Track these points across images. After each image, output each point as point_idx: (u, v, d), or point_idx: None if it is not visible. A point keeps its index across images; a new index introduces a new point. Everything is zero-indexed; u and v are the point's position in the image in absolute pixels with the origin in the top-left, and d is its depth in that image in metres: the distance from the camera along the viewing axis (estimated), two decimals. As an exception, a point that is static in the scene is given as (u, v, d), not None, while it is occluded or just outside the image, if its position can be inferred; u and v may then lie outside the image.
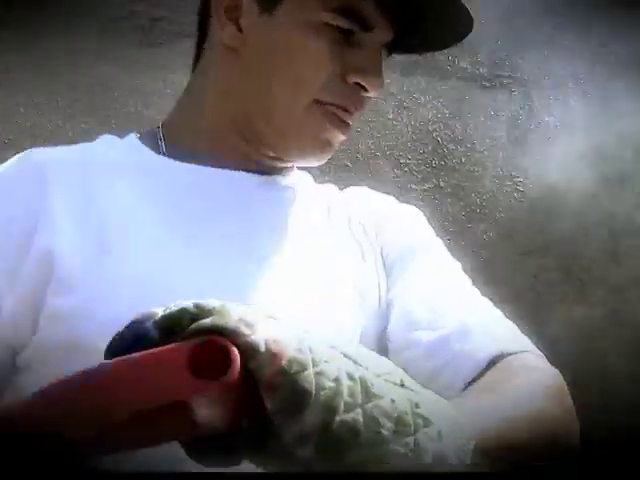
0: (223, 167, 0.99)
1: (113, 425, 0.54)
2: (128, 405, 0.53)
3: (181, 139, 1.02)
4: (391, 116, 2.12)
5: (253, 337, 0.55)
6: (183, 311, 0.56)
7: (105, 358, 0.58)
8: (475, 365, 0.88)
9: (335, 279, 0.96)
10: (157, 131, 1.04)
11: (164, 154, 1.01)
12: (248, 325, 0.55)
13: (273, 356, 0.55)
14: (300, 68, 0.94)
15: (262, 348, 0.54)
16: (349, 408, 0.56)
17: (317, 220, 1.04)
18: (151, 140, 1.03)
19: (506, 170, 2.17)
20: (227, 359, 0.53)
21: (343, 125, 0.97)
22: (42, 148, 0.99)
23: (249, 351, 0.54)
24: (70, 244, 0.88)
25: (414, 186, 2.12)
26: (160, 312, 0.58)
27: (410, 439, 0.58)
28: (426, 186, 2.13)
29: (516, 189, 2.15)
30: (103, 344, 0.59)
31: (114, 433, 0.54)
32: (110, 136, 1.05)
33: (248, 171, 1.01)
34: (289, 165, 1.05)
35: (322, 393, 0.55)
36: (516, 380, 0.84)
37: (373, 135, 2.11)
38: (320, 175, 1.16)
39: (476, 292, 1.01)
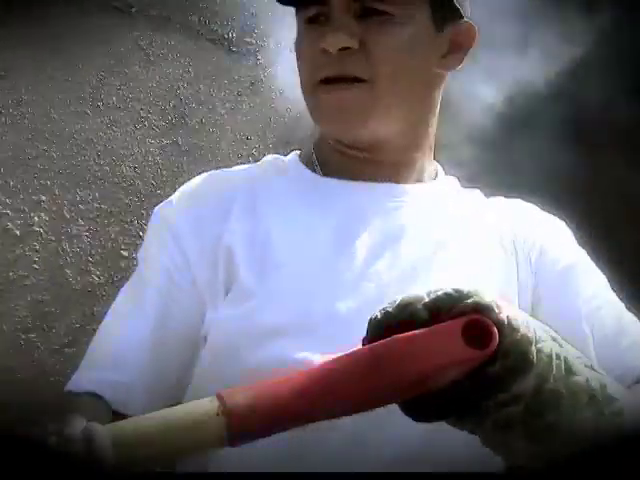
0: (371, 181, 1.08)
1: (400, 389, 0.70)
2: (415, 370, 0.68)
3: (328, 158, 1.11)
4: (137, 69, 2.11)
5: (501, 315, 0.70)
6: (447, 295, 0.71)
7: (370, 329, 0.73)
8: None
9: (481, 282, 0.96)
10: (312, 151, 1.13)
11: (320, 173, 1.10)
12: (498, 306, 0.70)
13: (513, 330, 0.70)
14: (300, 66, 1.08)
15: (506, 323, 0.70)
16: (556, 380, 0.72)
17: (461, 224, 1.09)
18: (307, 158, 1.13)
19: (244, 134, 2.25)
20: (489, 333, 0.69)
21: (332, 87, 1.03)
22: (224, 170, 1.14)
23: (500, 325, 0.69)
24: (243, 254, 1.01)
25: (151, 140, 2.13)
26: (426, 296, 0.72)
27: (599, 408, 0.74)
28: (164, 142, 2.15)
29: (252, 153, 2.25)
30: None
31: (397, 396, 0.71)
32: (275, 157, 1.15)
33: (392, 182, 1.09)
34: (380, 158, 1.09)
35: (539, 365, 0.71)
36: None
37: (116, 85, 2.09)
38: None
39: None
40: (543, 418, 0.72)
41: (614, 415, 0.75)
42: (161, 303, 1.02)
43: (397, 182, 1.09)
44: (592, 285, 1.10)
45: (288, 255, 1.00)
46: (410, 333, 0.69)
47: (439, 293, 0.72)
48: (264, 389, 0.68)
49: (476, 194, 1.18)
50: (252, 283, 0.99)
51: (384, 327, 0.72)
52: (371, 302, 0.80)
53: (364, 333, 0.74)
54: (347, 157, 1.09)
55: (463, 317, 0.70)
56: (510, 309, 0.72)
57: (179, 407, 0.69)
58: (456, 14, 1.06)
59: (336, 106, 1.03)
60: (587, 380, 0.74)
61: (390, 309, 0.73)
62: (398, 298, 0.73)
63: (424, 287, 0.74)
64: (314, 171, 1.11)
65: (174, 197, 1.08)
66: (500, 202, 1.18)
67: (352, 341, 0.80)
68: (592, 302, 1.08)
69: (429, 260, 1.04)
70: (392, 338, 0.70)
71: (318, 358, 0.71)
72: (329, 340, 0.82)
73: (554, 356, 0.73)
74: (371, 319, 0.74)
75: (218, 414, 0.66)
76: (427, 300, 0.72)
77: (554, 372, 0.72)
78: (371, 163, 1.08)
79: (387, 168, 1.08)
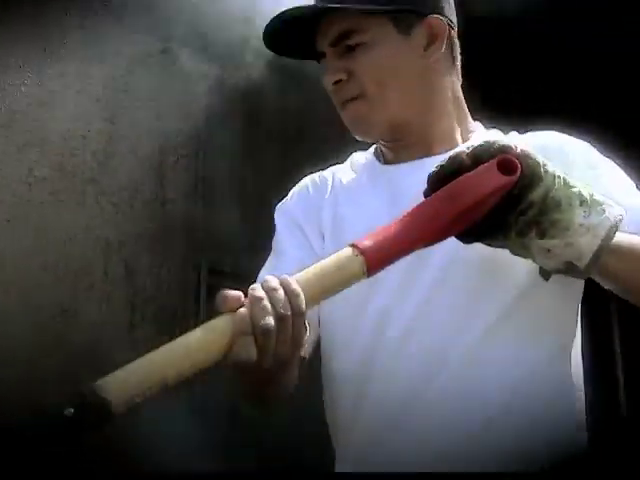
0: (412, 159, 1.37)
1: (460, 220, 1.01)
2: (470, 201, 1.00)
3: (382, 150, 1.44)
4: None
5: (519, 150, 1.04)
6: (481, 145, 1.05)
7: (430, 184, 1.06)
8: None
9: None
10: (378, 146, 1.44)
11: (381, 162, 1.42)
12: (515, 145, 1.05)
13: (527, 158, 1.04)
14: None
15: (523, 154, 1.04)
16: (557, 190, 1.04)
17: None
18: (376, 152, 1.45)
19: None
20: (513, 163, 1.02)
21: (343, 107, 1.36)
22: (323, 171, 1.48)
23: (519, 157, 1.03)
24: (328, 236, 1.36)
25: None
26: (466, 150, 1.05)
27: (587, 209, 1.04)
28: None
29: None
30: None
31: (461, 225, 1.03)
32: (360, 153, 1.48)
33: (430, 155, 1.35)
34: (405, 142, 1.39)
35: (546, 180, 1.04)
36: None
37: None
38: None
39: None
40: (549, 216, 1.04)
41: (598, 213, 1.04)
42: (295, 264, 1.20)
43: (433, 154, 1.33)
44: (617, 190, 1.23)
45: (354, 231, 1.19)
46: (461, 177, 1.02)
47: (475, 145, 1.05)
48: (379, 234, 1.01)
49: (512, 135, 1.39)
50: None
51: (441, 179, 1.05)
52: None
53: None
54: (388, 147, 1.40)
55: (495, 158, 1.02)
56: (524, 146, 1.05)
57: (323, 261, 1.00)
58: (417, 16, 1.32)
59: (349, 119, 1.37)
60: (579, 190, 1.06)
61: (442, 164, 1.06)
62: (446, 156, 1.06)
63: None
64: (379, 161, 1.42)
65: (289, 195, 1.47)
66: (533, 137, 1.35)
67: (415, 291, 1.24)
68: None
69: None
70: (453, 181, 1.02)
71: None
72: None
73: (556, 175, 1.06)
74: (430, 175, 1.07)
75: (357, 255, 0.99)
76: (468, 152, 1.05)
77: (556, 185, 1.05)
78: (405, 147, 1.37)
79: (420, 146, 1.35)
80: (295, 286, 0.95)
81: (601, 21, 3.38)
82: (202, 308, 3.26)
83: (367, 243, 0.99)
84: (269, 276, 0.97)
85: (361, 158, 1.45)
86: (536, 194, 1.03)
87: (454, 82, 1.39)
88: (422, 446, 1.18)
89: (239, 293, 0.95)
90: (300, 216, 1.41)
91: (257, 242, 3.44)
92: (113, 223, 3.01)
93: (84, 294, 2.88)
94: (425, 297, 1.23)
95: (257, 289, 0.95)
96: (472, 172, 1.02)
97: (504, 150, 1.03)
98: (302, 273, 0.98)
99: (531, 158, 1.04)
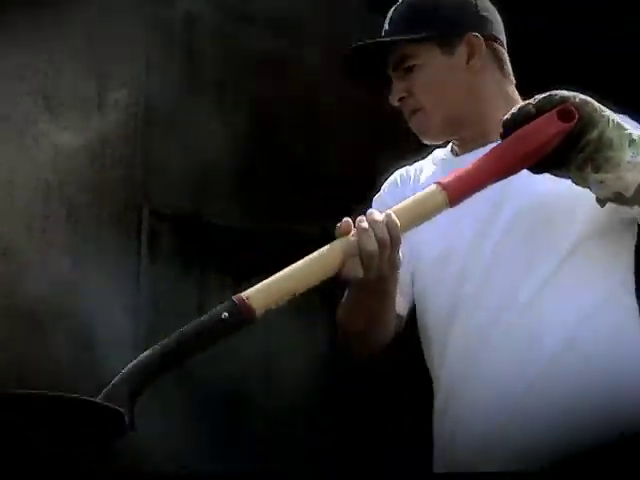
0: (474, 150, 1.55)
1: (529, 157, 1.24)
2: (538, 142, 1.21)
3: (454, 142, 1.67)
4: None
5: (577, 99, 1.24)
6: (544, 97, 1.26)
7: (503, 127, 1.30)
8: None
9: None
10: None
11: (455, 154, 1.65)
12: (574, 95, 1.25)
13: (585, 104, 1.24)
14: None
15: (580, 102, 1.24)
16: (610, 131, 1.23)
17: None
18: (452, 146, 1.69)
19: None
20: (571, 111, 1.21)
21: (409, 118, 1.65)
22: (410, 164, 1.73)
23: (577, 105, 1.23)
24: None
25: None
26: (532, 101, 1.28)
27: (635, 149, 1.23)
28: None
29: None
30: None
31: (529, 162, 1.25)
32: (440, 149, 1.70)
33: (487, 143, 1.50)
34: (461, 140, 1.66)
35: (601, 122, 1.23)
36: None
37: None
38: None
39: None
40: (603, 153, 1.23)
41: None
42: None
43: (489, 142, 1.45)
44: None
45: None
46: (528, 124, 1.24)
47: (540, 97, 1.27)
48: (459, 171, 1.25)
49: None
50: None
51: (511, 126, 1.27)
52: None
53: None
54: (454, 143, 1.67)
55: (556, 108, 1.22)
56: (582, 96, 1.25)
57: (413, 197, 1.26)
58: (457, 37, 1.58)
59: (414, 128, 1.65)
60: (630, 132, 1.25)
61: (513, 112, 1.28)
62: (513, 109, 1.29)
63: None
64: (452, 154, 1.66)
65: (382, 187, 1.70)
66: None
67: (488, 240, 1.49)
68: None
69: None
70: (521, 129, 1.24)
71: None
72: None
73: (610, 118, 1.25)
74: (503, 122, 1.30)
75: (440, 190, 1.23)
76: (534, 103, 1.26)
77: (609, 126, 1.24)
78: (465, 140, 1.62)
79: (478, 138, 1.57)
80: (394, 218, 1.23)
81: (601, 21, 3.43)
82: (143, 250, 3.28)
83: (448, 179, 1.24)
84: (374, 210, 1.27)
85: (440, 153, 1.70)
86: (592, 135, 1.23)
87: (501, 82, 1.63)
88: (497, 380, 1.41)
89: (350, 222, 1.23)
90: (391, 204, 1.48)
91: (198, 184, 3.48)
92: (53, 164, 2.99)
93: (24, 235, 2.87)
94: (497, 244, 1.47)
95: (364, 221, 1.23)
96: (535, 120, 1.24)
97: (564, 100, 1.24)
98: (397, 207, 1.26)
99: (588, 104, 1.24)
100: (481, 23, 1.60)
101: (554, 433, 1.34)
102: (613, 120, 1.25)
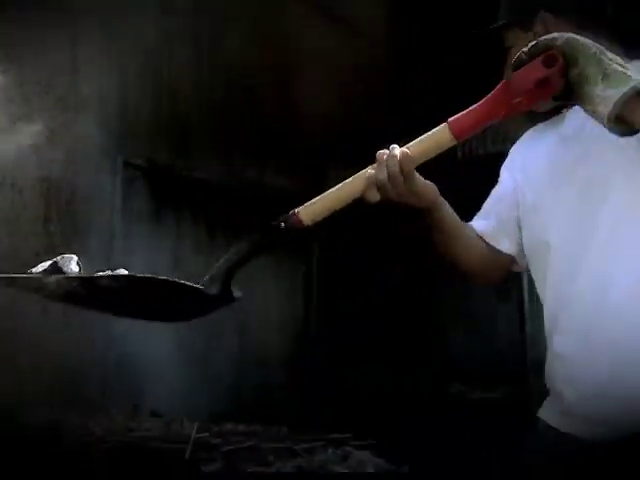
0: None
1: (527, 96, 1.36)
2: (521, 88, 1.35)
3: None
4: None
5: (560, 42, 1.32)
6: (533, 44, 1.35)
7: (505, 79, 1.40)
8: None
9: None
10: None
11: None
12: (559, 38, 1.33)
13: (567, 44, 1.32)
14: None
15: (565, 43, 1.32)
16: (590, 67, 1.30)
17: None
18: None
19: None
20: (555, 56, 1.32)
21: None
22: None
23: (563, 46, 1.32)
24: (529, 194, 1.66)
25: None
26: (526, 49, 1.35)
27: (607, 84, 1.28)
28: None
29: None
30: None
31: (531, 102, 1.38)
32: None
33: None
34: None
35: (583, 60, 1.30)
36: None
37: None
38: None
39: None
40: (582, 88, 1.31)
41: (614, 87, 1.28)
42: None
43: None
44: None
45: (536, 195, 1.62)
46: (518, 71, 1.36)
47: (530, 45, 1.34)
48: (465, 111, 1.40)
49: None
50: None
51: (512, 71, 1.37)
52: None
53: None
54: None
55: (542, 53, 1.33)
56: (568, 36, 1.33)
57: (427, 134, 1.42)
58: (531, 16, 1.64)
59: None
60: (607, 68, 1.29)
61: (513, 60, 1.36)
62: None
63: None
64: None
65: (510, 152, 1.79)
66: None
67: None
68: None
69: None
70: (513, 74, 1.37)
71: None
72: None
73: (593, 55, 1.30)
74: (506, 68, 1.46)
75: (445, 126, 1.40)
76: (526, 50, 1.34)
77: (590, 63, 1.30)
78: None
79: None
80: (406, 151, 1.41)
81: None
82: (117, 200, 3.30)
83: (454, 117, 1.41)
84: (395, 145, 1.44)
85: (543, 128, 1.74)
86: (574, 72, 1.32)
87: None
88: (589, 325, 1.44)
89: (382, 153, 1.44)
90: (505, 175, 1.73)
91: (171, 135, 3.50)
92: (25, 116, 3.00)
93: (-3, 188, 2.89)
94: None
95: (381, 155, 1.43)
96: (524, 67, 1.36)
97: (548, 45, 1.33)
98: (412, 143, 1.43)
99: (571, 45, 1.32)
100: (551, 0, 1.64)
101: None
102: (596, 56, 1.31)
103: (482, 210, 1.73)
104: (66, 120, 3.11)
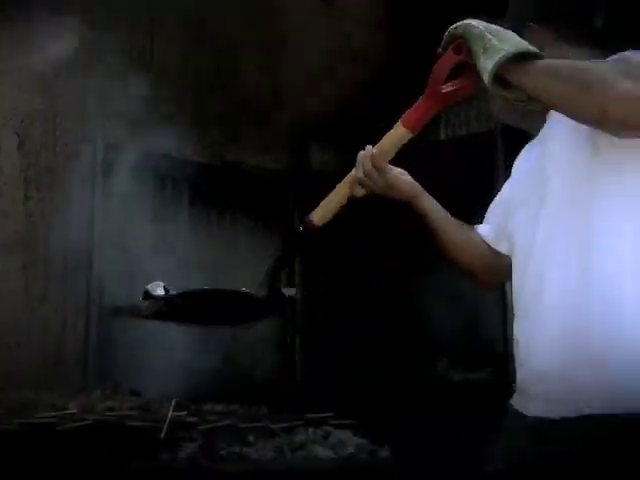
0: None
1: (446, 89, 1.52)
2: (439, 76, 1.51)
3: None
4: None
5: (460, 30, 1.45)
6: (445, 35, 1.49)
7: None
8: None
9: None
10: None
11: None
12: (458, 27, 1.46)
13: (463, 29, 1.46)
14: None
15: (463, 30, 1.46)
16: (476, 44, 1.44)
17: None
18: None
19: None
20: (461, 44, 1.45)
21: None
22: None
23: (460, 33, 1.45)
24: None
25: None
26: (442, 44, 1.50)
27: (485, 56, 1.42)
28: None
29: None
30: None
31: (458, 95, 1.53)
32: None
33: None
34: None
35: (472, 39, 1.44)
36: None
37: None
38: None
39: None
40: (476, 64, 1.43)
41: (489, 58, 1.41)
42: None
43: None
44: None
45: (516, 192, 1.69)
46: (437, 62, 1.51)
47: (445, 35, 1.49)
48: (413, 106, 1.56)
49: None
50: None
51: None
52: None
53: None
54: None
55: (453, 43, 1.48)
56: (463, 22, 1.46)
57: (388, 133, 1.60)
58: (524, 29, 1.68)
59: None
60: (486, 42, 1.43)
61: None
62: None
63: None
64: None
65: None
66: None
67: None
68: None
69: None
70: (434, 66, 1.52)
71: None
72: None
73: (483, 34, 1.44)
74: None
75: (399, 123, 1.56)
76: (441, 44, 1.49)
77: (475, 40, 1.44)
78: None
79: None
80: (374, 152, 1.62)
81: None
82: (97, 181, 3.30)
83: (405, 114, 1.58)
84: (368, 146, 1.64)
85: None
86: (471, 51, 1.46)
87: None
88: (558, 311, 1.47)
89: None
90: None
91: (153, 119, 3.49)
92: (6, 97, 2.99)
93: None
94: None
95: (359, 155, 1.64)
96: (440, 59, 1.52)
97: (453, 35, 1.49)
98: (379, 143, 1.63)
99: (466, 30, 1.47)
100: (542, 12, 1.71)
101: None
102: (479, 34, 1.46)
103: (485, 216, 1.82)
104: (45, 99, 3.10)
